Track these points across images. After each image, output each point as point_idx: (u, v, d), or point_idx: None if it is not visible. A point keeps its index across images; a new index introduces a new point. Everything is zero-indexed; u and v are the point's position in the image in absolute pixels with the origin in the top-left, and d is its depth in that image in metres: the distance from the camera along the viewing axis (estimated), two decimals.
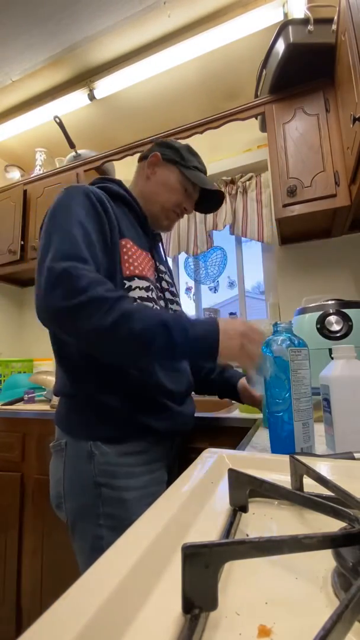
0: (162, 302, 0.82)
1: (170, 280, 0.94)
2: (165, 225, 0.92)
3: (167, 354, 0.60)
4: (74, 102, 1.78)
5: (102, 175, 0.93)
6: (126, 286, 0.72)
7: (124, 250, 0.74)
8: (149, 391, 0.72)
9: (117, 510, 0.65)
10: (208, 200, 0.96)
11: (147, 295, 0.75)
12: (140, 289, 0.74)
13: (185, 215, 0.97)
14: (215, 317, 0.71)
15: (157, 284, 0.85)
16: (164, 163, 0.88)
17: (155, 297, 0.79)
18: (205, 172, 0.93)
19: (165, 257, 1.00)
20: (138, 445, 0.71)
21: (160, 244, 0.98)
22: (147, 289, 0.75)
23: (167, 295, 0.88)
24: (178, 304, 0.94)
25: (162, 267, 0.91)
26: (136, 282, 0.74)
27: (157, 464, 0.74)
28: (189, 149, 0.92)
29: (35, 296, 0.61)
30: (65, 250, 0.61)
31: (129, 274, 0.73)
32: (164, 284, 0.89)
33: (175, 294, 0.95)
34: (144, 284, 0.75)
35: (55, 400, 1.35)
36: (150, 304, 0.74)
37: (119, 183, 0.88)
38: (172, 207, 0.89)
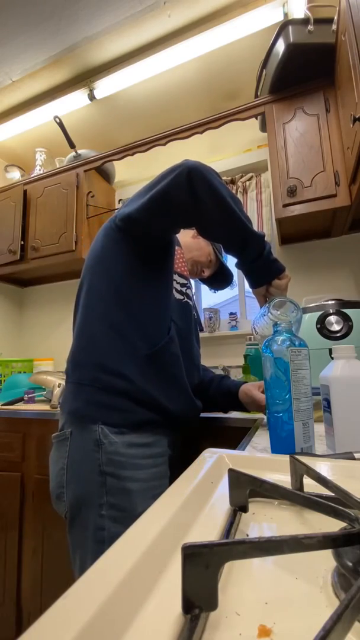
0: (188, 300, 0.90)
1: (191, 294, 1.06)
2: (193, 275, 1.07)
3: (253, 251, 0.75)
4: (74, 102, 1.78)
5: None
6: (173, 277, 0.84)
7: (178, 252, 0.89)
8: (170, 373, 0.76)
9: (121, 500, 0.65)
10: (220, 279, 1.15)
11: (181, 290, 0.87)
12: (179, 284, 0.86)
13: None
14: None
15: (189, 283, 0.95)
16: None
17: (186, 295, 0.89)
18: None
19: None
20: (145, 437, 0.71)
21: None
22: (182, 285, 0.88)
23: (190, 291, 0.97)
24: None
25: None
26: (177, 277, 0.86)
27: (160, 459, 0.74)
28: None
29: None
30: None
31: (176, 269, 0.86)
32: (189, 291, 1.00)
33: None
34: (182, 280, 0.88)
35: (56, 400, 1.35)
36: (180, 296, 0.86)
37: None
38: (201, 266, 1.06)
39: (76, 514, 0.67)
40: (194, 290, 2.10)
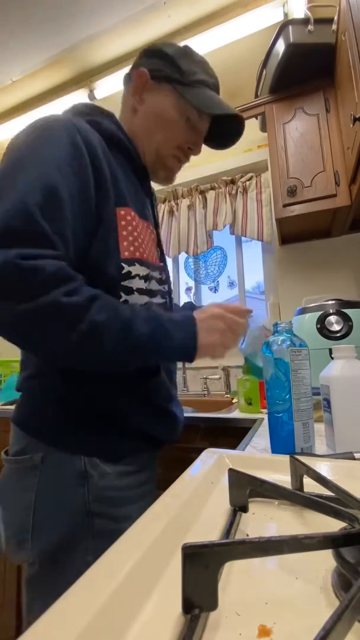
0: (159, 299, 0.64)
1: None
2: (163, 177, 0.69)
3: (140, 365, 0.53)
4: (73, 102, 1.78)
5: (88, 104, 0.67)
6: (124, 271, 0.54)
7: (123, 223, 0.55)
8: (155, 393, 0.60)
9: (110, 544, 0.51)
10: (223, 128, 0.69)
11: (145, 287, 0.58)
12: (140, 277, 0.57)
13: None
14: (191, 316, 0.55)
15: (161, 265, 0.67)
16: (154, 84, 0.63)
17: (154, 289, 0.62)
18: (216, 86, 0.67)
19: (157, 218, 0.74)
20: (134, 464, 0.58)
21: (154, 201, 0.74)
22: (146, 278, 0.58)
23: (166, 285, 0.69)
24: (170, 290, 0.73)
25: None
26: (136, 269, 0.56)
27: (148, 486, 0.62)
28: (186, 52, 0.65)
29: None
30: (17, 223, 0.42)
31: (128, 256, 0.55)
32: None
33: (167, 270, 0.73)
34: (144, 271, 0.57)
35: None
36: (144, 299, 0.58)
37: (112, 118, 0.64)
38: (171, 150, 0.65)
39: (50, 563, 0.50)
40: (193, 290, 2.12)
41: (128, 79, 0.67)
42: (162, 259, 0.70)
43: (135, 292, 0.56)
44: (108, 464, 0.54)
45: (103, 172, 0.53)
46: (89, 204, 0.51)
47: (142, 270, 0.57)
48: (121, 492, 0.54)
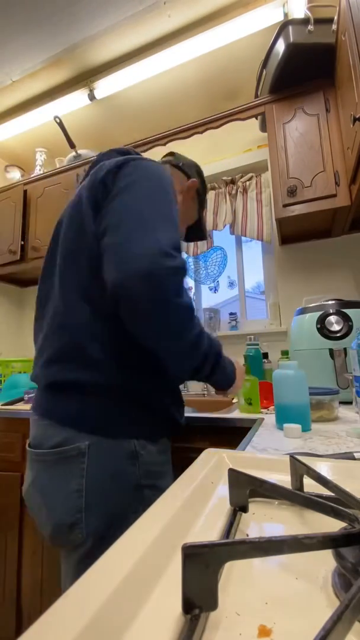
0: None
1: None
2: None
3: (203, 375, 0.66)
4: (74, 102, 1.78)
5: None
6: None
7: None
8: (176, 384, 0.73)
9: None
10: (195, 232, 1.02)
11: None
12: None
13: None
14: (233, 366, 0.76)
15: None
16: (195, 197, 0.93)
17: None
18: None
19: None
20: (166, 443, 0.70)
21: None
22: None
23: None
24: None
25: None
26: None
27: (171, 462, 0.73)
28: (205, 182, 0.97)
29: (133, 257, 0.52)
30: (177, 241, 0.56)
31: None
32: None
33: None
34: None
35: None
36: None
37: None
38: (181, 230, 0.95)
39: (100, 540, 0.55)
40: (193, 290, 2.11)
41: (179, 166, 0.93)
42: None
43: None
44: (152, 443, 0.64)
45: None
46: None
47: None
48: (162, 466, 0.65)
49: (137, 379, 0.63)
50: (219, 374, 0.68)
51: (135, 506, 0.57)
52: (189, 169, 0.93)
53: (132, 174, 0.62)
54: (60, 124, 1.76)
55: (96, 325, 0.61)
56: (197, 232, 1.00)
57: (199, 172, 0.96)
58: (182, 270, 0.55)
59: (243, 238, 1.90)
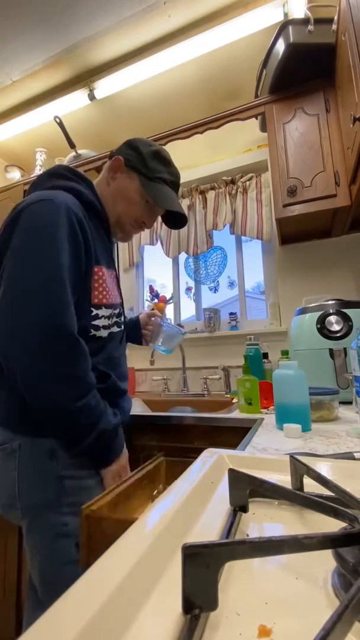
0: (116, 328, 0.82)
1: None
2: (120, 237, 0.90)
3: (80, 441, 0.66)
4: (74, 102, 1.78)
5: (68, 167, 0.84)
6: (93, 314, 0.74)
7: (96, 277, 0.75)
8: (108, 391, 0.74)
9: (81, 497, 0.64)
10: (174, 215, 0.91)
11: (108, 323, 0.78)
12: (105, 317, 0.77)
13: None
14: (120, 452, 0.75)
15: (121, 303, 0.86)
16: (126, 170, 0.84)
17: (114, 324, 0.81)
18: (176, 184, 0.87)
19: (117, 260, 1.00)
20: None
21: (116, 244, 0.96)
22: (109, 317, 0.78)
23: (121, 317, 0.87)
24: (124, 321, 0.91)
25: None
26: (102, 311, 0.76)
27: None
28: (158, 154, 0.85)
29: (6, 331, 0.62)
30: (56, 298, 0.63)
31: (97, 302, 0.75)
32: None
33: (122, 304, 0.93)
34: (108, 312, 0.78)
35: None
36: (106, 332, 0.77)
37: (91, 187, 0.83)
38: (129, 221, 0.86)
39: (34, 519, 0.67)
40: (193, 290, 2.12)
41: (110, 156, 0.87)
42: (120, 295, 0.89)
43: (101, 328, 0.75)
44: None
45: (89, 242, 0.72)
46: (80, 265, 0.70)
47: (106, 312, 0.77)
48: (81, 458, 0.70)
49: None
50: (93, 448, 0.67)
51: (57, 494, 0.67)
52: (117, 152, 0.87)
53: (13, 244, 0.68)
54: (60, 124, 1.76)
55: None
56: (171, 220, 0.92)
57: (132, 145, 0.86)
58: (59, 343, 0.62)
59: (243, 238, 1.90)
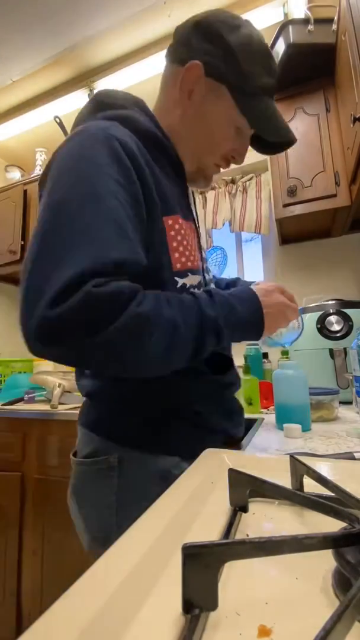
0: None
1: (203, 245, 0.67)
2: (203, 185, 0.65)
3: (213, 348, 0.49)
4: (74, 102, 1.78)
5: (108, 89, 0.59)
6: (178, 285, 0.51)
7: (172, 233, 0.51)
8: (231, 393, 0.61)
9: None
10: (266, 143, 0.61)
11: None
12: (195, 287, 0.54)
13: None
14: (254, 294, 0.52)
15: (201, 266, 0.60)
16: (209, 81, 0.54)
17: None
18: (275, 86, 0.58)
19: (195, 208, 0.67)
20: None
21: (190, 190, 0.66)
22: (198, 285, 0.55)
23: (207, 277, 0.64)
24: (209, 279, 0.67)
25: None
26: (189, 279, 0.53)
27: None
28: (250, 43, 0.53)
29: (26, 306, 0.42)
30: (93, 256, 0.39)
31: (181, 268, 0.52)
32: (203, 254, 0.65)
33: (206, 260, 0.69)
34: (197, 279, 0.55)
35: (56, 400, 1.35)
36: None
37: (143, 107, 0.57)
38: (215, 160, 0.60)
39: None
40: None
41: (173, 55, 0.58)
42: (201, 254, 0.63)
43: None
44: (188, 461, 0.49)
45: (148, 183, 0.49)
46: (141, 214, 0.47)
47: (194, 280, 0.54)
48: None
49: (164, 385, 0.53)
50: (230, 333, 0.48)
51: None
52: (186, 47, 0.56)
53: (50, 180, 0.47)
54: (60, 124, 1.76)
55: None
56: (259, 135, 0.58)
57: (211, 34, 0.53)
58: (88, 305, 0.37)
59: (243, 238, 1.90)
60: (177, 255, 0.52)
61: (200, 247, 0.62)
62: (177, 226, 0.53)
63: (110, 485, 0.51)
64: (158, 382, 0.51)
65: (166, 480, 0.46)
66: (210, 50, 0.53)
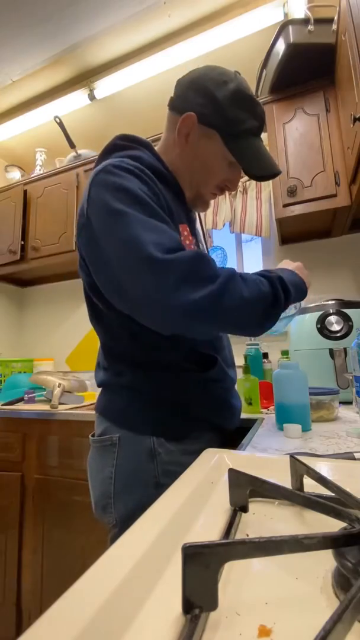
0: None
1: None
2: (201, 209, 0.78)
3: (282, 309, 0.58)
4: (74, 102, 1.78)
5: (123, 134, 0.71)
6: None
7: (182, 239, 0.63)
8: (218, 388, 0.68)
9: None
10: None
11: None
12: None
13: None
14: (288, 269, 0.68)
15: None
16: (201, 127, 0.65)
17: None
18: (262, 126, 0.69)
19: (203, 228, 0.84)
20: (197, 444, 0.64)
21: (195, 216, 0.81)
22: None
23: None
24: None
25: (201, 247, 0.78)
26: None
27: None
28: (238, 95, 0.64)
29: (144, 299, 0.50)
30: (164, 240, 0.51)
31: None
32: None
33: None
34: None
35: (56, 400, 1.35)
36: None
37: (150, 149, 0.69)
38: (211, 189, 0.72)
39: (128, 525, 0.58)
40: None
41: (173, 105, 0.70)
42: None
43: None
44: (172, 442, 0.62)
45: (163, 199, 0.61)
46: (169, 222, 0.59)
47: None
48: (185, 467, 0.61)
49: (158, 380, 0.65)
50: (294, 295, 0.61)
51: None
52: (183, 101, 0.68)
53: (89, 222, 0.58)
54: (60, 124, 1.76)
55: (108, 341, 0.68)
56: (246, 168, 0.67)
57: (202, 90, 0.65)
58: (175, 266, 0.49)
59: (243, 238, 1.90)
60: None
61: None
62: (185, 233, 0.66)
63: (111, 460, 0.62)
64: (151, 376, 0.64)
65: (152, 456, 0.61)
66: (202, 102, 0.65)
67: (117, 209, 0.54)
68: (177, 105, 0.69)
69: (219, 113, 0.64)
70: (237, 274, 0.54)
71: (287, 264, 0.71)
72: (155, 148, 0.71)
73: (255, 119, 0.66)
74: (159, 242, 0.50)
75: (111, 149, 0.69)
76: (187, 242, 0.66)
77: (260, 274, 0.59)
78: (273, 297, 0.56)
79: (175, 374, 0.65)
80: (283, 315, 0.77)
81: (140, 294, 0.50)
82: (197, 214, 0.81)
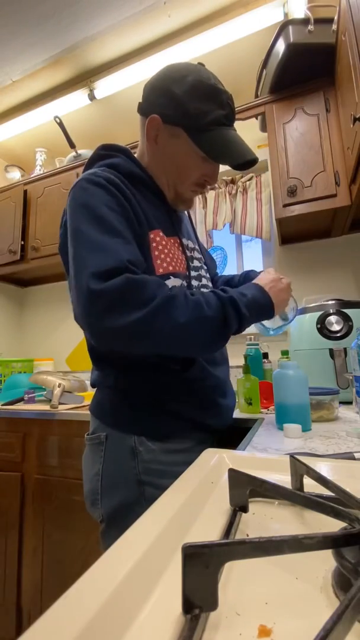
0: None
1: (199, 257, 0.80)
2: (183, 207, 0.77)
3: (231, 332, 0.59)
4: (74, 102, 1.78)
5: (104, 144, 0.73)
6: None
7: (154, 245, 0.65)
8: (201, 387, 0.69)
9: None
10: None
11: None
12: (178, 288, 0.66)
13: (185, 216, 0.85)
14: (256, 284, 0.66)
15: (187, 273, 0.71)
16: (168, 127, 0.67)
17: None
18: (232, 115, 0.68)
19: (193, 226, 0.86)
20: (181, 443, 0.66)
21: (183, 214, 0.82)
22: (180, 287, 0.67)
23: (195, 282, 0.74)
24: (208, 285, 0.79)
25: (190, 244, 0.77)
26: (172, 281, 0.65)
27: None
28: (197, 87, 0.64)
29: (80, 320, 0.55)
30: (104, 263, 0.53)
31: (163, 272, 0.64)
32: (195, 263, 0.76)
33: (206, 271, 0.82)
34: (179, 282, 0.67)
35: (56, 400, 1.35)
36: None
37: (128, 154, 0.71)
38: (189, 187, 0.71)
39: (113, 521, 0.63)
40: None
41: (141, 110, 0.72)
42: (186, 260, 0.74)
43: None
44: (153, 441, 0.64)
45: (133, 204, 0.64)
46: (135, 230, 0.62)
47: (176, 282, 0.66)
48: (167, 466, 0.63)
49: (140, 381, 0.66)
50: (249, 316, 0.60)
51: (137, 501, 0.62)
52: (148, 104, 0.70)
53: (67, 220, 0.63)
54: (60, 124, 1.76)
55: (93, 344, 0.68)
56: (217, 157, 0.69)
57: (162, 90, 0.67)
58: (103, 295, 0.51)
59: (243, 238, 1.90)
60: (158, 262, 0.65)
61: (187, 257, 0.74)
62: (158, 238, 0.66)
63: (99, 457, 0.65)
64: (132, 376, 0.66)
65: (134, 454, 0.63)
66: (163, 103, 0.66)
67: (75, 227, 0.59)
68: (144, 109, 0.71)
69: (180, 109, 0.64)
70: (178, 298, 0.55)
71: (264, 277, 0.70)
72: (135, 154, 0.73)
73: (222, 108, 0.65)
74: (97, 269, 0.53)
75: (95, 159, 0.72)
76: (160, 247, 0.66)
77: (216, 293, 0.60)
78: (221, 321, 0.57)
79: (156, 374, 0.66)
80: (270, 326, 0.80)
81: (78, 314, 0.56)
82: (186, 212, 0.82)
